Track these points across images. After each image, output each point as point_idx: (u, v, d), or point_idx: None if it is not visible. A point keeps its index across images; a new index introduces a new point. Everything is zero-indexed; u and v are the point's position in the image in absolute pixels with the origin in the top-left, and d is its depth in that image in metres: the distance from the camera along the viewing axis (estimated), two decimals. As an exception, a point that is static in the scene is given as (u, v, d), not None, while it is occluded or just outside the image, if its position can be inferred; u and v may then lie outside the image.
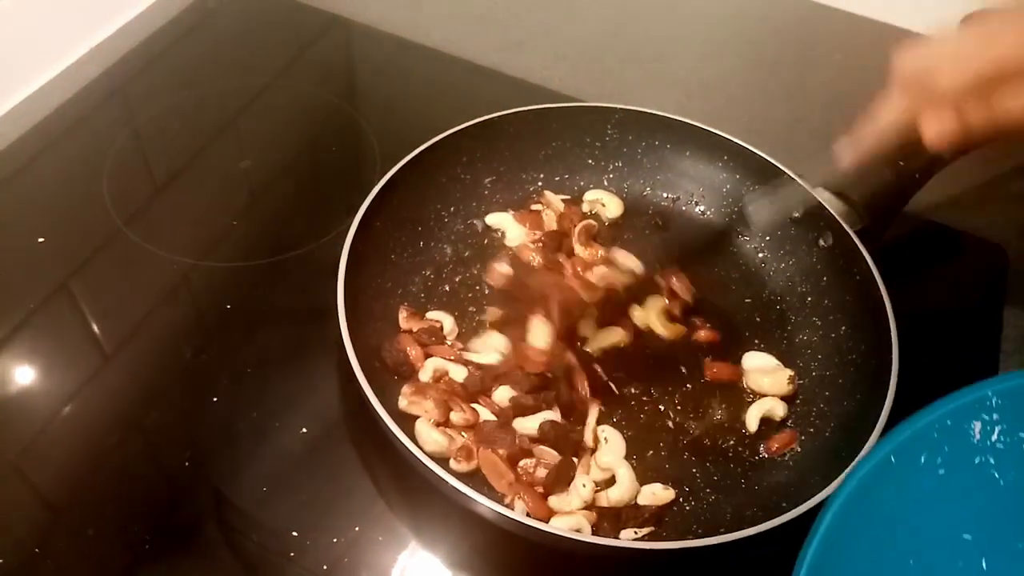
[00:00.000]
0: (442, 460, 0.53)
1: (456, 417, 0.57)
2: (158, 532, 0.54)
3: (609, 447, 0.57)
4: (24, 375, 0.62)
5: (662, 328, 0.65)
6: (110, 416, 0.60)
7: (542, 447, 0.56)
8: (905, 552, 0.38)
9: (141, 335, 0.65)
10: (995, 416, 0.39)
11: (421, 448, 0.51)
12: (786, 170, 0.68)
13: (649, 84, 0.89)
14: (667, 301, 0.66)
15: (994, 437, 0.39)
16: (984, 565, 0.38)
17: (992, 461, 0.39)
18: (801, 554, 0.39)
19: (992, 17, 0.47)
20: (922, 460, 0.39)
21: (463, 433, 0.57)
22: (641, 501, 0.56)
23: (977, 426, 0.39)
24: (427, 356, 0.61)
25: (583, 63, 0.90)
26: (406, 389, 0.58)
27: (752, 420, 0.60)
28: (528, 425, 0.57)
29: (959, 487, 0.39)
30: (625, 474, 0.56)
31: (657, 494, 0.56)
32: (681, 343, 0.65)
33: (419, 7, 0.96)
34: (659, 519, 0.55)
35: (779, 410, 0.61)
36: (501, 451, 0.55)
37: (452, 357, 0.61)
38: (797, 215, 0.68)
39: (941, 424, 0.39)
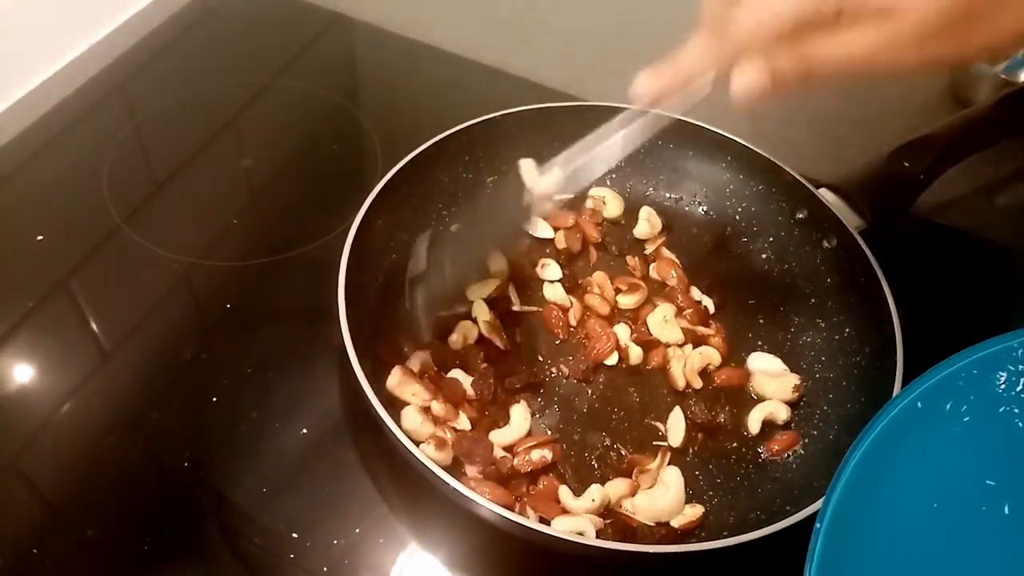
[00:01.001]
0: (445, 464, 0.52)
1: (436, 408, 0.57)
2: (157, 533, 0.54)
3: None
4: (23, 373, 0.62)
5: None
6: (109, 415, 0.60)
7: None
8: (929, 495, 0.39)
9: (141, 334, 0.64)
10: (1020, 367, 0.39)
11: (410, 436, 0.51)
12: (788, 170, 0.68)
13: (652, 83, 0.88)
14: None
15: (1019, 387, 0.39)
16: (1007, 510, 0.38)
17: (1016, 411, 0.39)
18: (827, 494, 0.39)
19: None
20: (947, 407, 0.40)
21: (449, 431, 0.57)
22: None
23: (1003, 376, 0.39)
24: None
25: (586, 62, 0.90)
26: (397, 369, 0.57)
27: (754, 423, 0.60)
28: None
29: (983, 435, 0.39)
30: (674, 488, 0.55)
31: (685, 513, 0.55)
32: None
33: (422, 6, 0.95)
34: (674, 541, 0.53)
35: (782, 413, 0.60)
36: (480, 466, 0.55)
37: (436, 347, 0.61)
38: (762, 187, 0.68)
39: (967, 373, 0.40)
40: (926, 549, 0.38)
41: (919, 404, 0.40)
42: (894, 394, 0.54)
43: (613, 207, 0.73)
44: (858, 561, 0.38)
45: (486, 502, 0.48)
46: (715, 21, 0.44)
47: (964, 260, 0.74)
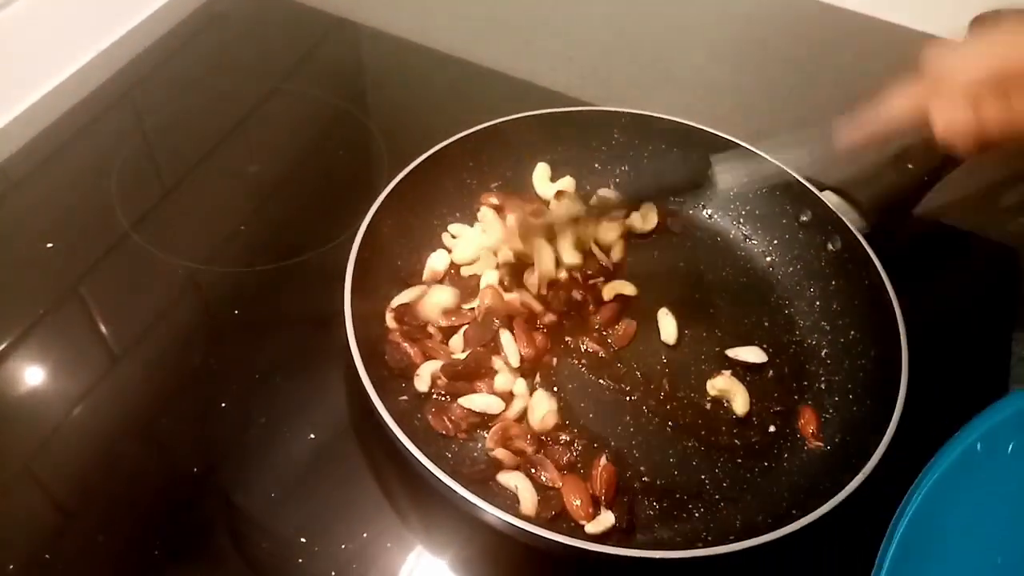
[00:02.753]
0: (449, 467, 0.52)
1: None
2: (167, 538, 0.54)
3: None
4: (34, 378, 0.63)
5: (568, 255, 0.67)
6: (119, 420, 0.60)
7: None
8: (991, 545, 0.39)
9: (150, 339, 0.65)
10: None
11: (425, 452, 0.51)
12: (793, 173, 0.68)
13: (656, 86, 0.89)
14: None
15: None
16: None
17: None
18: (889, 534, 0.39)
19: (1009, 20, 0.47)
20: (1009, 448, 0.39)
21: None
22: None
23: None
24: (425, 357, 0.61)
25: (590, 65, 0.90)
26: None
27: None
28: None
29: None
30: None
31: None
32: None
33: (426, 10, 0.96)
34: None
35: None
36: None
37: (443, 354, 0.62)
38: (766, 190, 0.69)
39: None
40: None
41: (979, 447, 0.39)
42: (899, 396, 0.54)
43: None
44: None
45: (492, 508, 0.48)
46: (927, 73, 0.48)
47: (969, 261, 0.74)
